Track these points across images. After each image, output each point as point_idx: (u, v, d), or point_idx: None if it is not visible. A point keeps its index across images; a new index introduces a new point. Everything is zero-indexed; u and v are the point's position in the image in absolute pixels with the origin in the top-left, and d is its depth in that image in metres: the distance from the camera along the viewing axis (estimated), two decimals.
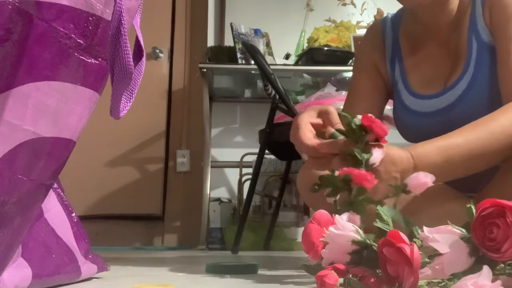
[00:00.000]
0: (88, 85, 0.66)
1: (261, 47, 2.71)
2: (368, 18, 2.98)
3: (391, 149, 0.73)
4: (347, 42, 2.82)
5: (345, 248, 0.58)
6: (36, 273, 0.75)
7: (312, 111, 0.81)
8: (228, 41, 2.84)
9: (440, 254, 0.51)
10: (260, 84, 2.73)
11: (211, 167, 2.60)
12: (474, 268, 0.50)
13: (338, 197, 0.74)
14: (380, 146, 0.71)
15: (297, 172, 1.08)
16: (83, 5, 0.63)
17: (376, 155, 0.69)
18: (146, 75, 0.76)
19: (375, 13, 2.94)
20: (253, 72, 2.60)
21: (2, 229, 0.60)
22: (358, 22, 2.96)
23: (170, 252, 2.27)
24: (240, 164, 2.70)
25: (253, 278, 1.02)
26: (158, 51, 2.99)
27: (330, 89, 2.25)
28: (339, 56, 2.63)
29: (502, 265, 0.51)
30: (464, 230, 0.53)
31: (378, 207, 0.61)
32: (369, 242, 0.57)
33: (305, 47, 2.87)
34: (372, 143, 0.71)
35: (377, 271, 0.56)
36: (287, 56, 2.84)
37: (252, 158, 2.50)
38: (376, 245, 0.55)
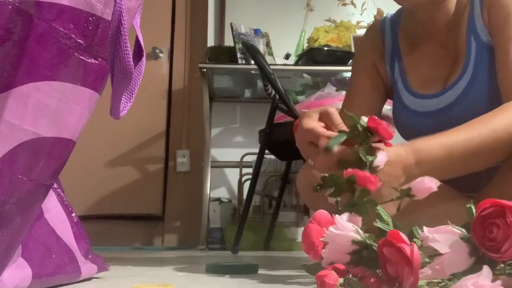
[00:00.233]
0: (88, 85, 0.66)
1: (261, 47, 2.71)
2: (368, 18, 2.98)
3: (387, 150, 0.73)
4: (347, 42, 2.82)
5: (345, 248, 0.58)
6: (36, 273, 0.75)
7: (313, 114, 0.81)
8: (228, 41, 2.85)
9: (440, 254, 0.51)
10: (260, 84, 2.73)
11: (211, 167, 2.60)
12: (474, 268, 0.50)
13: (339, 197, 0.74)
14: (379, 149, 0.71)
15: (297, 172, 1.08)
16: (83, 5, 0.63)
17: (381, 158, 0.69)
18: (146, 75, 0.76)
19: (375, 13, 2.94)
20: (253, 72, 2.60)
21: (2, 229, 0.60)
22: (358, 22, 2.96)
23: (170, 252, 2.27)
24: (240, 164, 2.70)
25: (253, 278, 1.02)
26: (158, 51, 2.99)
27: (330, 89, 2.25)
28: (339, 56, 2.63)
29: (502, 265, 0.51)
30: (464, 230, 0.53)
31: (378, 207, 0.61)
32: (369, 242, 0.57)
33: (305, 47, 2.87)
34: (375, 145, 0.71)
35: (377, 271, 0.56)
36: (287, 56, 2.84)
37: (252, 158, 2.50)
38: (376, 245, 0.55)
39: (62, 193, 0.90)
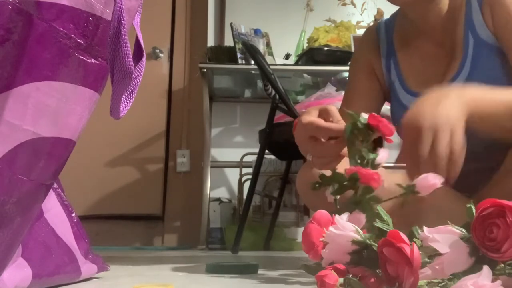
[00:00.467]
0: (88, 85, 0.66)
1: (261, 47, 2.71)
2: (368, 18, 2.98)
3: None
4: (347, 42, 2.82)
5: (345, 248, 0.58)
6: (36, 273, 0.75)
7: (312, 110, 0.81)
8: (228, 41, 2.84)
9: (440, 254, 0.51)
10: (260, 84, 2.73)
11: (211, 167, 2.60)
12: (474, 268, 0.50)
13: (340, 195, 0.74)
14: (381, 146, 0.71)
15: (297, 172, 1.08)
16: (83, 5, 0.63)
17: (382, 155, 0.69)
18: (146, 75, 0.76)
19: (375, 13, 2.93)
20: (253, 72, 2.60)
21: (2, 229, 0.60)
22: (358, 22, 2.96)
23: (170, 252, 2.27)
24: (240, 164, 2.70)
25: (253, 278, 1.02)
26: (158, 51, 2.99)
27: (330, 89, 2.25)
28: (339, 56, 2.63)
29: (502, 265, 0.51)
30: (464, 230, 0.53)
31: (378, 207, 0.61)
32: (369, 242, 0.57)
33: (305, 47, 2.87)
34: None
35: (377, 271, 0.56)
36: (287, 56, 2.84)
37: (252, 158, 2.50)
38: (376, 245, 0.55)
39: (62, 193, 0.90)
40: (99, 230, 2.71)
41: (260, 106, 2.69)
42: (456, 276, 0.50)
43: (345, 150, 0.74)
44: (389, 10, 1.23)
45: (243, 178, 2.68)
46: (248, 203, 2.12)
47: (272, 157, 2.52)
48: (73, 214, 0.91)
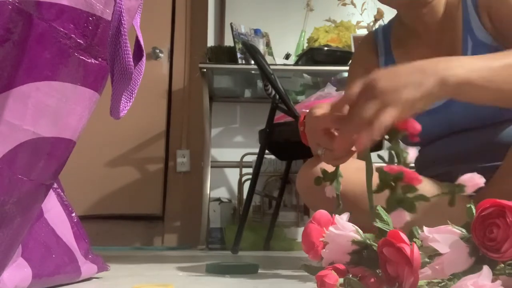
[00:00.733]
0: (88, 85, 0.66)
1: (261, 47, 2.71)
2: (368, 18, 2.97)
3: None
4: (347, 42, 2.82)
5: (345, 248, 0.58)
6: (36, 273, 0.75)
7: (323, 105, 0.79)
8: (228, 41, 2.84)
9: (440, 254, 0.51)
10: (260, 84, 2.73)
11: (211, 167, 2.59)
12: (474, 268, 0.50)
13: (339, 192, 0.74)
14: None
15: (297, 172, 1.08)
16: (83, 5, 0.63)
17: (412, 154, 0.68)
18: (146, 75, 0.76)
19: (375, 13, 2.93)
20: (253, 72, 2.60)
21: (2, 229, 0.60)
22: (358, 22, 2.96)
23: (170, 252, 2.27)
24: (240, 164, 2.70)
25: (253, 278, 1.02)
26: (158, 51, 2.99)
27: (330, 89, 2.25)
28: (339, 56, 2.63)
29: (502, 265, 0.51)
30: (464, 230, 0.52)
31: (378, 207, 0.60)
32: (369, 242, 0.57)
33: (305, 47, 2.87)
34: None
35: (377, 271, 0.56)
36: (287, 56, 2.84)
37: (252, 158, 2.50)
38: (376, 245, 0.55)
39: (62, 193, 0.90)
40: (99, 230, 2.71)
41: (260, 106, 2.69)
42: (456, 276, 0.50)
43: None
44: (389, 10, 1.24)
45: (243, 178, 2.68)
46: (248, 203, 2.11)
47: (272, 157, 2.52)
48: (73, 214, 0.91)
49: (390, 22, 1.19)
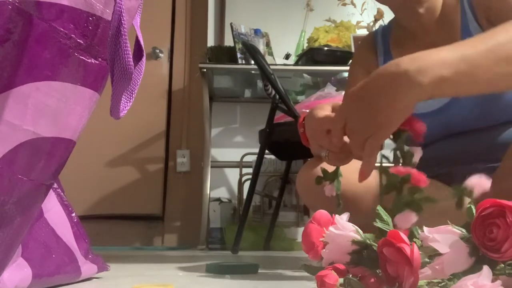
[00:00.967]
0: (88, 85, 0.66)
1: (261, 47, 2.71)
2: (368, 18, 2.97)
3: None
4: (347, 42, 2.82)
5: (345, 248, 0.58)
6: (36, 273, 0.75)
7: (325, 106, 0.79)
8: (228, 41, 2.85)
9: (440, 254, 0.51)
10: (260, 84, 2.73)
11: (211, 167, 2.60)
12: (474, 268, 0.50)
13: (339, 191, 0.74)
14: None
15: (297, 172, 1.08)
16: (83, 5, 0.63)
17: (417, 155, 0.68)
18: (146, 75, 0.76)
19: (375, 13, 2.93)
20: (253, 72, 2.60)
21: (2, 229, 0.60)
22: (358, 22, 2.96)
23: (170, 252, 2.27)
24: (240, 164, 2.70)
25: (253, 278, 1.02)
26: (158, 51, 2.99)
27: (330, 89, 2.25)
28: (339, 56, 2.64)
29: (502, 265, 0.51)
30: (464, 230, 0.52)
31: (378, 207, 0.60)
32: (369, 242, 0.57)
33: (305, 47, 2.87)
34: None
35: (377, 271, 0.56)
36: (287, 56, 2.84)
37: (252, 158, 2.50)
38: (376, 245, 0.55)
39: (62, 193, 0.90)
40: (99, 230, 2.71)
41: (260, 106, 2.70)
42: (456, 276, 0.50)
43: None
44: (389, 10, 1.23)
45: (243, 178, 2.68)
46: (248, 203, 2.12)
47: (272, 157, 2.52)
48: (73, 214, 0.91)
49: (390, 22, 1.19)
